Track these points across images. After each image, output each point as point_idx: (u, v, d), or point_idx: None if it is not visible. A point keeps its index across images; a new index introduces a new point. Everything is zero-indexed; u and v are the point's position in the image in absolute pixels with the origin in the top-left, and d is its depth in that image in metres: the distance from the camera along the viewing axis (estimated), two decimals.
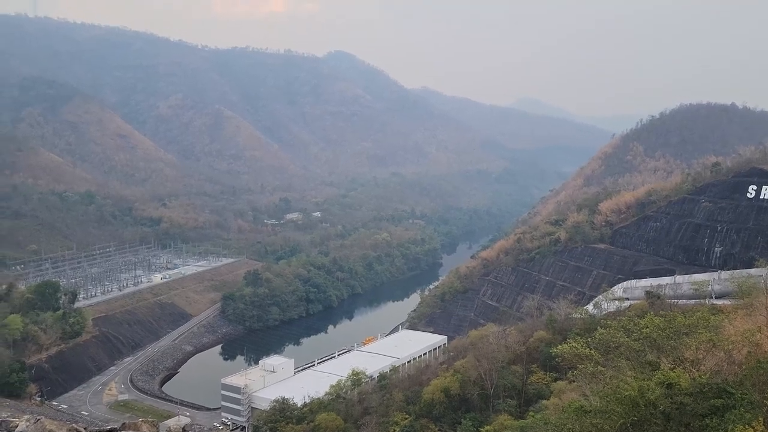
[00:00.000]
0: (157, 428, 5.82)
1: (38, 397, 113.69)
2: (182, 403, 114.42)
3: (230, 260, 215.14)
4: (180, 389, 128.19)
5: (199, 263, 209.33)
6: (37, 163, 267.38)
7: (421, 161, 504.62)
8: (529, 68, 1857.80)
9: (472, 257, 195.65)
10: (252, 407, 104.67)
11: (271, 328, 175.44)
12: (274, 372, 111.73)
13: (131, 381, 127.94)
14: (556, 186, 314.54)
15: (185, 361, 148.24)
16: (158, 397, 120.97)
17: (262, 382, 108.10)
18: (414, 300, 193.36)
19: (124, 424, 5.98)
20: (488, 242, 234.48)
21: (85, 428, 5.72)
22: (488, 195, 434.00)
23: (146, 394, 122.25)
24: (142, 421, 6.14)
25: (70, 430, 5.64)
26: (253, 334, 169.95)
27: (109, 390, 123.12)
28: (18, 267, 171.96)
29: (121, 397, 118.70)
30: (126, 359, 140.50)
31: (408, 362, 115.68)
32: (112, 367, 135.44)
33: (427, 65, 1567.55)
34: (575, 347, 38.18)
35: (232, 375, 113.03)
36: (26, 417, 6.04)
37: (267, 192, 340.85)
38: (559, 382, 64.58)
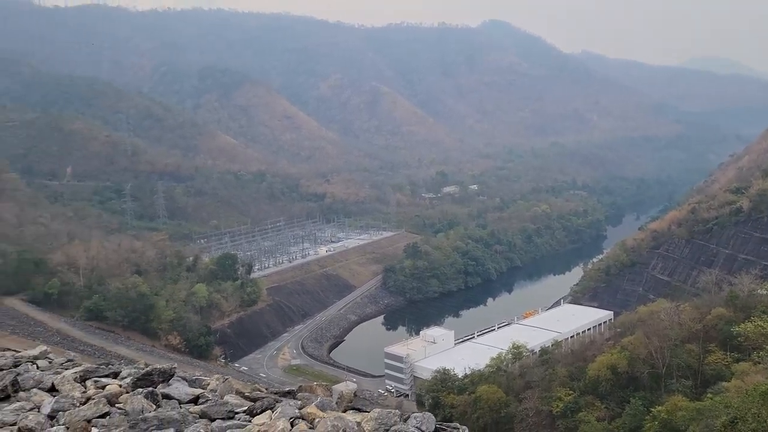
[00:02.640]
0: (330, 392, 5.88)
1: (222, 358, 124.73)
2: (349, 370, 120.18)
3: (390, 233, 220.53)
4: (346, 356, 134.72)
5: (361, 236, 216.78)
6: (215, 145, 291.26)
7: (582, 129, 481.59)
8: (702, 22, 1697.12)
9: (639, 229, 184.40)
10: (414, 376, 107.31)
11: (431, 299, 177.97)
12: (434, 343, 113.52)
13: (302, 347, 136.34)
14: (736, 150, 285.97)
15: (350, 330, 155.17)
16: (327, 363, 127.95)
17: (424, 352, 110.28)
18: (576, 274, 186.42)
19: (300, 386, 6.12)
20: (658, 213, 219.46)
21: (266, 389, 5.93)
22: (656, 162, 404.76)
23: (316, 359, 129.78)
24: (316, 384, 6.25)
25: (253, 389, 5.86)
26: (414, 305, 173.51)
27: (283, 355, 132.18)
28: (202, 240, 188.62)
29: (294, 362, 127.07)
30: (297, 327, 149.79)
31: (571, 337, 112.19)
32: (285, 334, 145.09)
33: (587, 28, 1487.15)
34: (761, 326, 34.52)
35: (395, 344, 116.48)
36: (216, 377, 6.38)
37: (424, 166, 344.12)
38: (742, 364, 59.30)
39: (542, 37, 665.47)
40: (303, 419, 5.71)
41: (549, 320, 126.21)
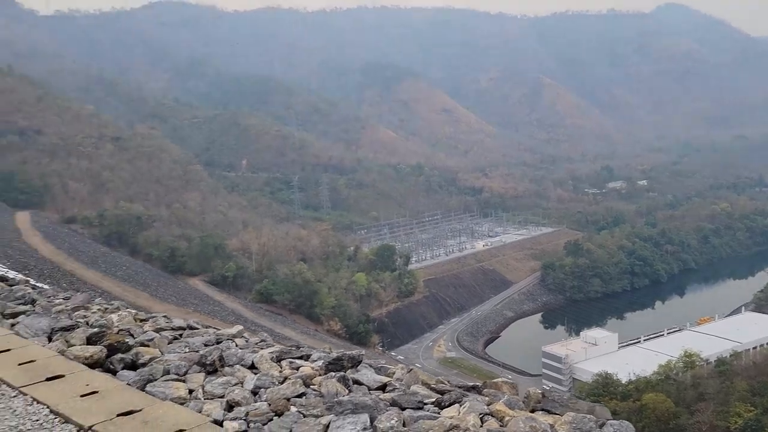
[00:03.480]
0: (516, 390, 5.66)
1: (380, 346, 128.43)
2: (504, 366, 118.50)
3: (549, 229, 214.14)
4: (502, 352, 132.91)
5: (519, 232, 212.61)
6: (377, 138, 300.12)
7: None
8: None
9: None
10: (573, 378, 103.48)
11: (592, 299, 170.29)
12: (596, 345, 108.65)
13: (457, 340, 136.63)
14: None
15: (506, 326, 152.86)
16: (482, 358, 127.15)
17: (584, 353, 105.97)
18: (761, 279, 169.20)
19: (485, 382, 6.00)
20: None
21: (447, 381, 5.87)
22: None
23: (471, 353, 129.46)
24: (502, 381, 6.09)
25: (437, 381, 5.83)
26: (573, 304, 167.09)
27: (438, 347, 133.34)
28: (362, 231, 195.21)
29: (449, 355, 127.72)
30: (452, 320, 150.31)
31: (753, 348, 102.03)
32: (440, 326, 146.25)
33: None
34: None
35: (553, 344, 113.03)
36: (400, 366, 6.49)
37: (587, 160, 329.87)
38: None
39: (726, 20, 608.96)
40: (492, 416, 5.56)
41: (727, 328, 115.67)
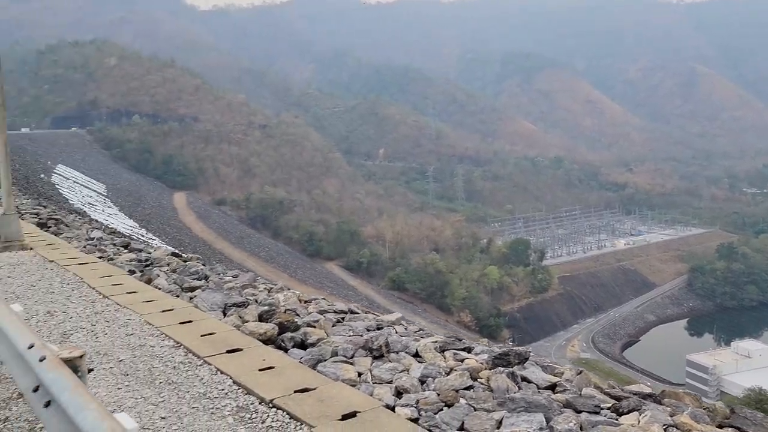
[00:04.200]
0: (699, 403, 5.16)
1: (510, 341, 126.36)
2: (643, 372, 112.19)
3: (700, 230, 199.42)
4: (641, 357, 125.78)
5: (665, 231, 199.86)
6: (514, 130, 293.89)
7: None
8: None
9: None
10: (721, 391, 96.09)
11: (747, 308, 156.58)
12: (749, 357, 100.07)
13: (593, 341, 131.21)
14: None
15: (647, 330, 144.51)
16: (618, 362, 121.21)
17: (735, 366, 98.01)
18: None
19: (663, 391, 5.59)
20: None
21: (619, 386, 5.55)
22: None
23: (606, 356, 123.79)
24: (683, 392, 5.66)
25: (609, 386, 5.51)
26: (724, 312, 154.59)
27: (572, 346, 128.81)
28: (495, 224, 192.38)
29: (583, 355, 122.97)
30: (588, 320, 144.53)
31: None
32: (575, 325, 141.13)
33: None
34: None
35: (699, 353, 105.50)
36: (568, 366, 6.24)
37: (747, 157, 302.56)
38: None
39: None
40: (677, 429, 5.19)
41: None
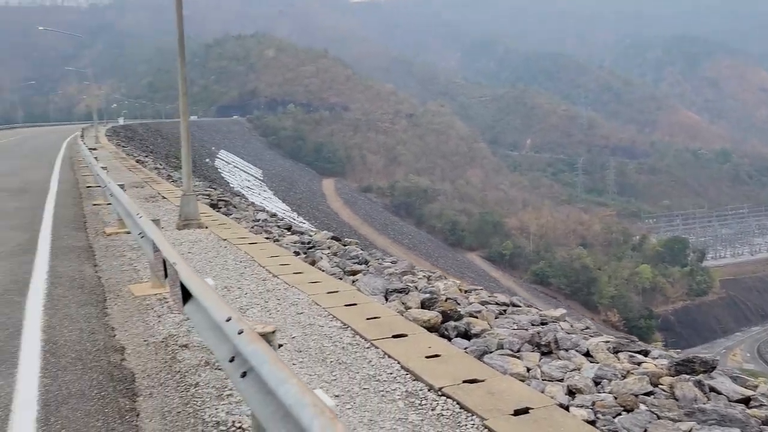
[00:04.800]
0: None
1: (663, 345, 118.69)
2: None
3: None
4: None
5: None
6: (675, 120, 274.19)
7: None
8: None
9: None
10: None
11: None
12: None
13: (758, 351, 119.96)
14: None
15: None
16: None
17: None
18: None
19: None
20: None
21: None
22: None
23: None
24: None
25: None
26: None
27: (733, 355, 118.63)
28: (650, 220, 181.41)
29: (746, 366, 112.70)
30: (753, 328, 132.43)
31: None
32: (737, 333, 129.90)
33: None
34: None
35: None
36: (763, 379, 5.69)
37: None
38: None
39: None
40: None
41: None
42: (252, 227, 14.17)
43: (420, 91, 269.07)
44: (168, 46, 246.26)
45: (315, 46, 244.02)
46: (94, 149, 35.24)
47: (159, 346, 6.48)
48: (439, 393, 5.52)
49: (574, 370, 6.02)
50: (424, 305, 7.71)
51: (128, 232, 11.57)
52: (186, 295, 5.48)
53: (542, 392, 5.56)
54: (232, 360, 4.16)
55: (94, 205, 16.57)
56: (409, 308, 7.65)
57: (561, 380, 5.81)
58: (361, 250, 12.68)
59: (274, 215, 21.90)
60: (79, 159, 32.38)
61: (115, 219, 12.87)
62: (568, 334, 7.21)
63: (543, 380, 5.84)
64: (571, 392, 5.55)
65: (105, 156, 34.60)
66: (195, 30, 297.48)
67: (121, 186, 12.30)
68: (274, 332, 4.16)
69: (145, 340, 6.64)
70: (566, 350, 6.54)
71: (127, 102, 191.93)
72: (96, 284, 8.79)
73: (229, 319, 4.27)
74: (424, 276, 9.91)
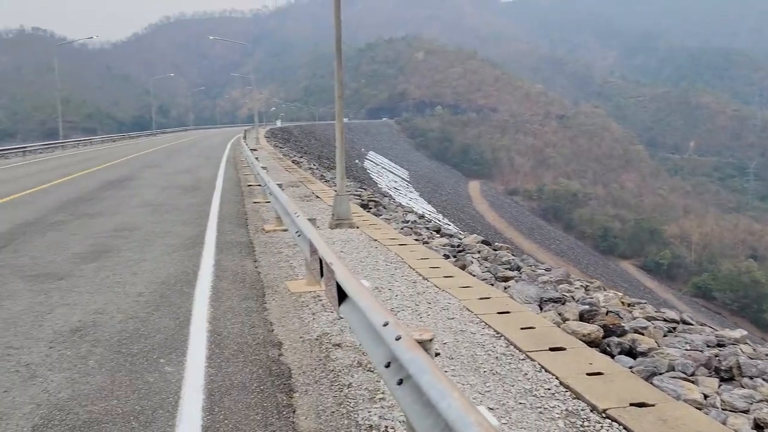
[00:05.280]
0: None
1: None
2: None
3: None
4: None
5: None
6: None
7: None
8: None
9: None
10: None
11: None
12: None
13: None
14: None
15: None
16: None
17: None
18: None
19: None
20: None
21: None
22: None
23: None
24: None
25: None
26: None
27: None
28: None
29: None
30: None
31: None
32: None
33: None
34: None
35: None
36: None
37: None
38: None
39: None
40: None
41: None
42: (401, 228, 14.24)
43: (572, 91, 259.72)
44: (323, 51, 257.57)
45: (464, 47, 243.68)
46: (255, 150, 37.48)
47: (314, 343, 6.60)
48: (603, 415, 5.10)
49: (761, 401, 5.32)
50: (583, 317, 7.24)
51: (285, 230, 12.05)
52: (341, 296, 5.51)
53: (724, 423, 4.96)
54: (387, 365, 4.07)
55: (255, 202, 17.53)
56: (567, 320, 7.21)
57: (746, 411, 5.15)
58: (513, 255, 12.29)
59: (422, 217, 21.97)
60: (242, 159, 34.61)
61: (273, 216, 13.49)
62: (752, 359, 6.42)
63: (723, 410, 5.21)
64: (759, 426, 4.90)
65: (264, 156, 36.71)
66: (349, 35, 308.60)
67: (280, 185, 12.84)
68: (431, 340, 4.02)
69: (300, 337, 6.79)
70: (750, 378, 5.81)
71: (284, 105, 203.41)
72: (256, 279, 9.20)
73: (386, 324, 4.19)
74: (581, 286, 9.33)
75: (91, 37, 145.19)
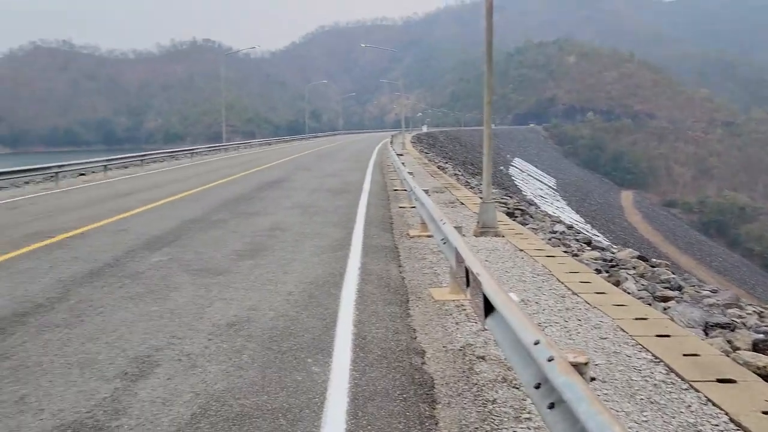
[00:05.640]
0: None
1: None
2: None
3: None
4: None
5: None
6: None
7: None
8: None
9: None
10: None
11: None
12: None
13: None
14: None
15: None
16: None
17: None
18: None
19: None
20: None
21: None
22: None
23: None
24: None
25: None
26: None
27: None
28: None
29: None
30: None
31: None
32: None
33: None
34: None
35: None
36: None
37: None
38: None
39: None
40: None
41: None
42: (549, 239, 13.72)
43: (743, 97, 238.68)
44: (470, 57, 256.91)
45: (620, 50, 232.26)
46: (401, 155, 38.05)
47: (457, 354, 6.47)
48: None
49: None
50: (757, 347, 6.49)
51: (430, 236, 12.03)
52: (488, 308, 5.34)
53: None
54: (537, 387, 3.86)
55: (400, 207, 17.72)
56: (738, 349, 6.51)
57: None
58: (673, 273, 11.37)
59: (570, 227, 21.10)
60: (388, 164, 35.28)
61: (418, 222, 13.52)
62: None
63: None
64: None
65: (410, 161, 37.18)
66: (498, 39, 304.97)
67: (426, 191, 12.85)
68: (587, 363, 3.75)
69: (444, 346, 6.69)
70: None
71: (430, 110, 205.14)
72: (400, 284, 9.23)
73: (537, 342, 3.98)
74: (753, 311, 8.40)
75: (254, 47, 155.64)
